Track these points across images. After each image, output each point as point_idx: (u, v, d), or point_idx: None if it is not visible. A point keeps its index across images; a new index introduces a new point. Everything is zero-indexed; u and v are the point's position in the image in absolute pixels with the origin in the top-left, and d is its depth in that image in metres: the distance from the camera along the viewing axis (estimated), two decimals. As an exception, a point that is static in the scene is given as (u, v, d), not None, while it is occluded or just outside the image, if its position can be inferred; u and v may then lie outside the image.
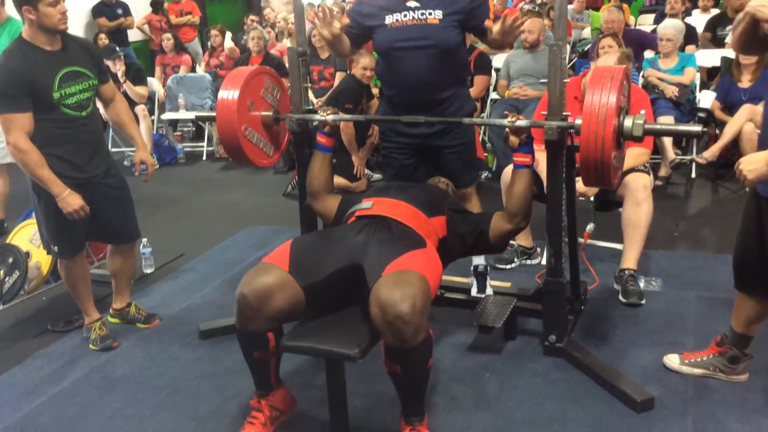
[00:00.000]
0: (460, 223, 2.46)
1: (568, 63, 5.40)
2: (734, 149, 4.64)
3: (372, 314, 1.98)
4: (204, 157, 6.68)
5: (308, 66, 3.42)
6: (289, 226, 3.88)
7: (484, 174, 5.19)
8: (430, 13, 2.68)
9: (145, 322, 3.19)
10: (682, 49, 5.50)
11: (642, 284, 3.17)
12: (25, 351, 3.03)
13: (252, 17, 8.49)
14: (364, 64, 4.91)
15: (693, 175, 4.98)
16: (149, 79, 6.72)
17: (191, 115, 6.51)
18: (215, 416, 2.46)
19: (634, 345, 2.74)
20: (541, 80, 4.81)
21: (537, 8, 6.49)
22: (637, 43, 5.25)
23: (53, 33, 2.72)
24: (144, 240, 3.74)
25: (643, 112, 2.36)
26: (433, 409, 2.31)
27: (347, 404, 2.21)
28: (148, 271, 3.83)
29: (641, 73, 5.23)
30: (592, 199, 3.30)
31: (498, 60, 5.68)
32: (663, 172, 4.85)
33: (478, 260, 2.97)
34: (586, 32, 7.45)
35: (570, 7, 7.42)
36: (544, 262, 3.40)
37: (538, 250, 3.58)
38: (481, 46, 5.32)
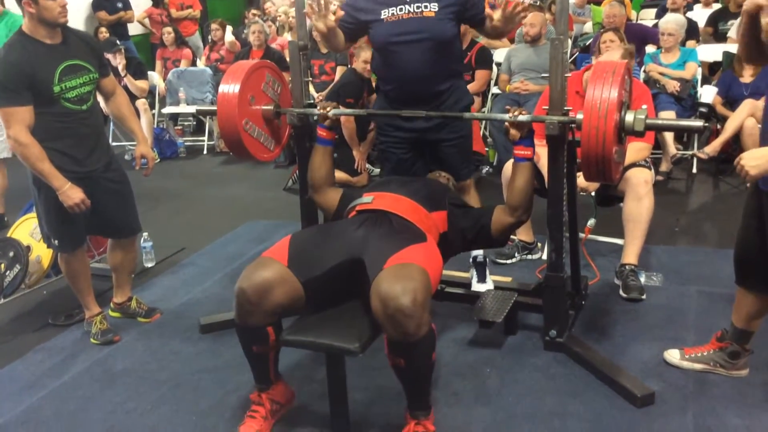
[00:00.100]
0: (461, 217, 2.46)
1: (570, 57, 5.39)
2: (735, 144, 4.63)
3: (373, 308, 1.98)
4: (205, 152, 6.68)
5: (309, 60, 3.41)
6: (290, 220, 3.88)
7: (485, 169, 5.18)
8: (425, 6, 2.67)
9: (145, 316, 3.20)
10: (683, 43, 5.49)
11: (643, 279, 3.17)
12: (26, 345, 3.03)
13: (253, 11, 8.48)
14: (365, 57, 4.86)
15: (694, 170, 4.98)
16: (150, 73, 6.73)
17: (192, 109, 6.49)
18: (216, 410, 2.46)
19: (635, 340, 2.75)
20: (543, 75, 4.74)
21: (538, 2, 6.47)
22: (638, 38, 5.23)
23: (53, 26, 2.72)
24: (145, 234, 3.74)
25: (644, 107, 2.36)
26: (434, 403, 2.30)
27: (347, 398, 2.22)
28: (149, 265, 3.83)
29: (643, 68, 5.22)
30: (593, 194, 3.29)
31: (499, 54, 5.66)
32: (664, 167, 4.84)
33: (477, 251, 2.97)
34: (588, 27, 7.43)
35: (571, 1, 7.38)
36: (544, 257, 3.40)
37: (539, 245, 3.58)
38: (482, 40, 5.30)
